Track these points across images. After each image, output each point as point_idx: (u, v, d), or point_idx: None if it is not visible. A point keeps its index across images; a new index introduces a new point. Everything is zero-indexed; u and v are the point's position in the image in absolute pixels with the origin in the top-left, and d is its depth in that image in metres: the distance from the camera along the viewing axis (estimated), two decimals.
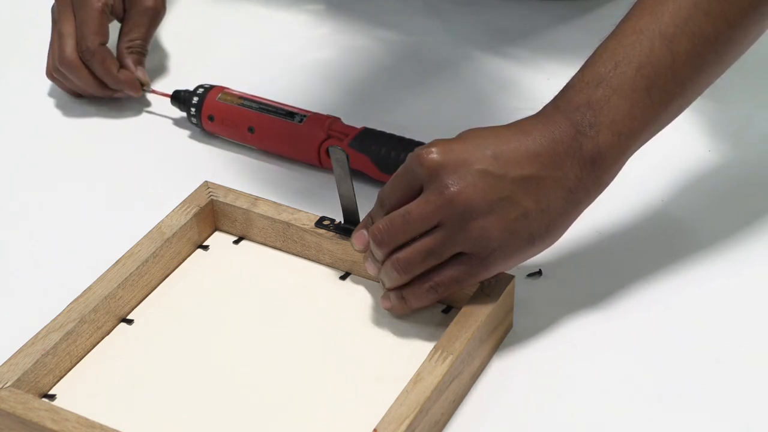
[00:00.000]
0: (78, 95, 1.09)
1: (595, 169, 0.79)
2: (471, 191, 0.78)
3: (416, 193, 0.81)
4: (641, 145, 0.81)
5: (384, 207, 0.82)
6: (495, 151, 0.79)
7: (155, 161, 1.02)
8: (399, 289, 0.82)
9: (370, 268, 0.84)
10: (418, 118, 1.06)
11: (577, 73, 0.82)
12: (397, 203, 0.81)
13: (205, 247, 0.91)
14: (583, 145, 0.79)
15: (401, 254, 0.80)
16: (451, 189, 0.78)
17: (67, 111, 1.09)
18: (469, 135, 0.81)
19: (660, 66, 0.79)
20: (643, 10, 0.80)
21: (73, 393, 0.79)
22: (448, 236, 0.79)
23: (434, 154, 0.79)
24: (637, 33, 0.79)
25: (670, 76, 0.79)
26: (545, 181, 0.79)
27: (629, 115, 0.79)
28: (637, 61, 0.79)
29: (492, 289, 0.82)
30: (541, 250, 0.81)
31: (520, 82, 1.10)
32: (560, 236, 0.81)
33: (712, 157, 1.00)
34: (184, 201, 0.90)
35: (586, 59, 0.82)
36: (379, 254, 0.82)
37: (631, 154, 0.81)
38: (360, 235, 0.84)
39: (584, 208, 0.81)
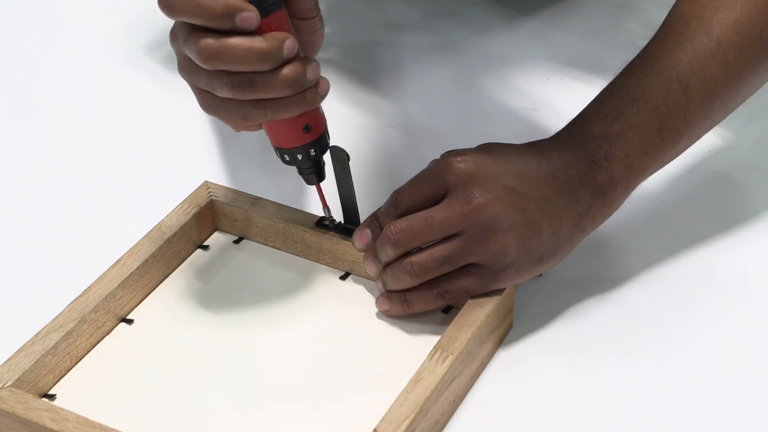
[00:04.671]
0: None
1: (605, 199, 0.82)
2: (497, 204, 0.79)
3: (437, 198, 0.81)
4: (645, 179, 0.84)
5: (398, 208, 0.82)
6: (519, 168, 0.81)
7: (155, 161, 1.02)
8: (403, 291, 0.82)
9: (371, 268, 0.84)
10: (417, 117, 1.06)
11: (593, 103, 0.84)
12: (413, 206, 0.81)
13: (205, 247, 0.91)
14: (597, 175, 0.81)
15: (416, 258, 0.81)
16: (479, 199, 0.79)
17: (67, 110, 1.09)
18: (494, 149, 0.83)
19: (674, 108, 0.82)
20: (662, 51, 0.83)
21: (73, 393, 0.79)
22: (467, 246, 0.79)
23: (465, 163, 0.81)
24: (656, 75, 0.82)
25: (682, 118, 0.82)
26: (559, 204, 0.81)
27: (642, 151, 0.82)
28: (653, 102, 0.82)
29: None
30: (544, 271, 0.83)
31: (520, 82, 1.10)
32: (561, 260, 0.83)
33: (712, 157, 1.00)
34: (184, 201, 0.90)
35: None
36: (390, 254, 0.82)
37: (636, 187, 0.84)
38: (363, 234, 0.84)
39: (586, 236, 0.83)
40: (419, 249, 0.81)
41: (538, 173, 0.81)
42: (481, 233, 0.79)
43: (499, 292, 0.81)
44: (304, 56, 0.77)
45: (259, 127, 0.81)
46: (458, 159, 0.81)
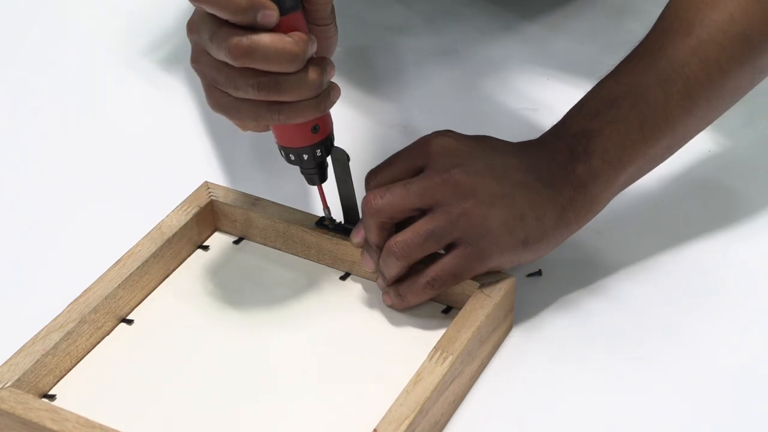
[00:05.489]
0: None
1: (586, 193, 0.83)
2: (477, 178, 0.80)
3: (414, 174, 0.82)
4: (631, 179, 0.85)
5: (371, 188, 0.83)
6: (501, 155, 0.82)
7: (155, 161, 1.02)
8: (396, 285, 0.83)
9: (368, 263, 0.84)
10: (417, 118, 1.06)
11: (575, 106, 0.85)
12: (390, 182, 0.82)
13: (205, 247, 0.91)
14: (576, 168, 0.82)
15: (399, 237, 0.81)
16: (458, 169, 0.80)
17: (67, 110, 1.09)
18: (479, 136, 0.85)
19: (654, 105, 0.82)
20: (643, 52, 0.84)
21: (73, 393, 0.79)
22: (448, 218, 0.80)
23: (446, 139, 0.82)
24: (635, 74, 0.83)
25: (663, 115, 0.83)
26: (542, 192, 0.81)
27: (621, 146, 0.83)
28: (632, 99, 0.83)
29: (492, 289, 0.82)
30: (531, 259, 0.83)
31: (520, 84, 1.11)
32: (549, 251, 0.83)
33: (712, 158, 1.00)
34: (184, 201, 0.90)
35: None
36: (372, 226, 0.82)
37: (621, 185, 0.85)
38: (360, 230, 0.85)
39: (573, 231, 0.84)
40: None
41: (520, 163, 0.82)
42: (460, 203, 0.80)
43: (499, 291, 0.81)
44: (319, 57, 0.77)
45: (267, 128, 0.81)
46: (439, 135, 0.82)
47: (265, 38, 0.73)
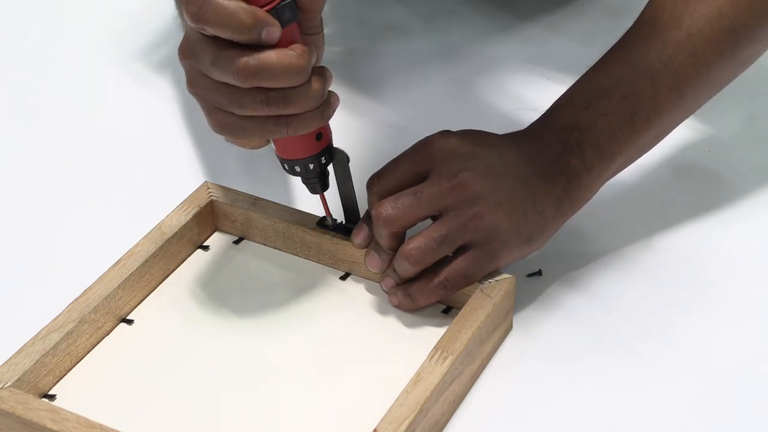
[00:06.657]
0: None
1: (580, 184, 0.83)
2: (482, 180, 0.81)
3: (419, 176, 0.82)
4: (621, 167, 0.86)
5: (375, 194, 0.83)
6: (499, 151, 0.83)
7: (155, 161, 1.02)
8: (405, 286, 0.83)
9: (373, 262, 0.84)
10: (417, 118, 1.06)
11: (564, 95, 0.86)
12: (394, 187, 0.82)
13: (205, 248, 0.91)
14: (570, 160, 0.83)
15: (413, 244, 0.81)
16: (465, 174, 0.81)
17: (67, 110, 1.09)
18: (474, 133, 0.85)
19: (643, 97, 0.83)
20: (632, 43, 0.85)
21: (73, 393, 0.79)
22: (459, 222, 0.80)
23: (446, 141, 0.82)
24: (624, 66, 0.84)
25: (652, 106, 0.84)
26: (539, 186, 0.82)
27: (612, 138, 0.83)
28: (622, 91, 0.83)
29: (492, 289, 0.82)
30: (533, 251, 0.84)
31: (519, 84, 1.11)
32: (546, 242, 0.84)
33: (712, 157, 1.00)
34: (184, 201, 0.90)
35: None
36: (384, 235, 0.82)
37: (612, 174, 0.86)
38: (360, 229, 0.85)
39: (567, 220, 0.85)
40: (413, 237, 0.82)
41: (516, 157, 0.83)
42: (470, 207, 0.80)
43: (499, 291, 0.81)
44: (318, 66, 0.77)
45: (267, 143, 0.81)
46: (438, 137, 0.82)
47: (271, 55, 0.72)
